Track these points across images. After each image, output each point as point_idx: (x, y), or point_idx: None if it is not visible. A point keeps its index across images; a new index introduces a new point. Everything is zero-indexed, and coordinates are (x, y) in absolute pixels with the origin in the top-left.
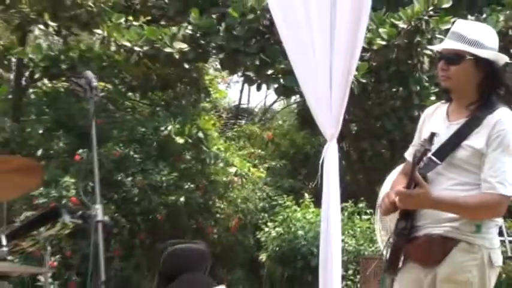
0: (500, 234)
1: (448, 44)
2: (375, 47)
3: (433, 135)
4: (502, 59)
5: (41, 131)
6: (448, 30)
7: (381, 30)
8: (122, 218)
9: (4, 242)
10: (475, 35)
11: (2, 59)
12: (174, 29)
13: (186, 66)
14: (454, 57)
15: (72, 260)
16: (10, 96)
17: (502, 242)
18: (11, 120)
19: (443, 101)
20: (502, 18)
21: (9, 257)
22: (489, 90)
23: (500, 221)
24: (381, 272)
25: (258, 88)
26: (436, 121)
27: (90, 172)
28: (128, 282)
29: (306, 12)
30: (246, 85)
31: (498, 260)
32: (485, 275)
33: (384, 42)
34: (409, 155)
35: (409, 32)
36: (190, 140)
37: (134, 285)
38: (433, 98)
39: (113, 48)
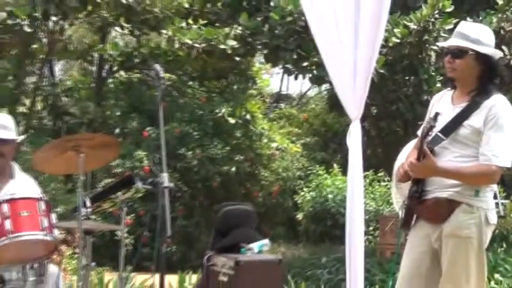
0: (495, 197)
1: (454, 41)
2: (390, 44)
3: (437, 114)
4: (498, 54)
5: (118, 113)
6: (450, 30)
7: (395, 30)
8: (184, 185)
9: (88, 204)
10: (476, 35)
11: (86, 54)
12: (227, 29)
13: (237, 59)
14: (458, 53)
15: (144, 219)
16: (93, 85)
17: (496, 204)
18: (94, 105)
19: (448, 89)
20: (495, 20)
21: (92, 216)
22: (487, 80)
23: (494, 186)
24: (397, 228)
25: (295, 78)
26: (442, 105)
27: (157, 147)
28: (189, 237)
29: (334, 15)
30: (285, 75)
31: (493, 218)
32: (483, 231)
33: (398, 40)
34: (420, 132)
35: (419, 32)
36: (239, 121)
37: (194, 239)
38: (438, 85)
39: (176, 45)
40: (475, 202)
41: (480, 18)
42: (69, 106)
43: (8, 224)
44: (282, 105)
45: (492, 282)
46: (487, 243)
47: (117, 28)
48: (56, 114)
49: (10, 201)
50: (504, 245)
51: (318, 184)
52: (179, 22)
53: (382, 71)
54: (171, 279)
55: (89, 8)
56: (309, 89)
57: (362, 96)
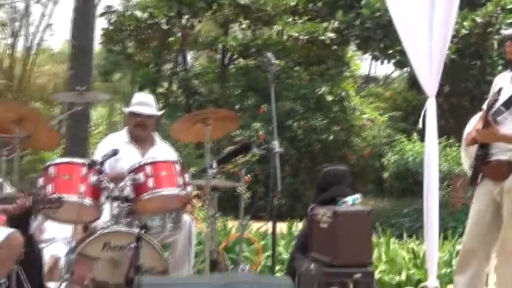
0: None
1: None
2: (460, 35)
3: (500, 89)
4: None
5: (237, 93)
6: (510, 23)
7: (464, 23)
8: (291, 150)
9: (215, 166)
10: None
11: (212, 45)
12: (326, 24)
13: (334, 48)
14: None
15: (260, 177)
16: (217, 70)
17: None
18: (219, 86)
19: (509, 70)
20: None
21: (218, 176)
22: None
23: None
24: (466, 185)
25: (382, 62)
26: (504, 83)
27: (270, 119)
28: (296, 192)
29: (412, 11)
30: (373, 61)
31: None
32: None
33: (466, 31)
34: (485, 105)
35: (484, 25)
36: (336, 98)
37: (300, 194)
38: (499, 68)
39: (284, 37)
40: None
41: None
42: (198, 87)
43: (150, 182)
44: (371, 85)
45: None
46: None
47: (237, 24)
48: (188, 93)
49: (152, 163)
50: None
51: (400, 149)
52: (287, 18)
53: (453, 57)
54: (281, 226)
55: (214, 7)
56: (392, 72)
57: (436, 77)
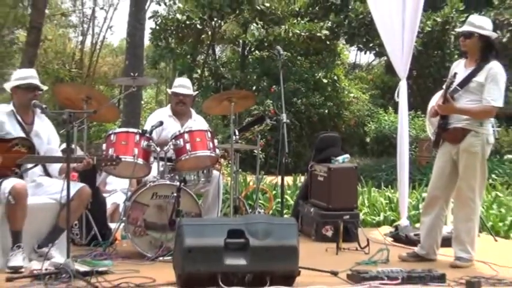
0: (492, 126)
1: (465, 28)
2: (425, 31)
3: (455, 73)
4: (494, 35)
5: (254, 77)
6: (463, 21)
7: (428, 22)
8: (296, 121)
9: (237, 133)
10: (479, 23)
11: (235, 41)
12: (322, 23)
13: (328, 42)
14: (468, 35)
15: (271, 142)
16: (239, 60)
17: (493, 131)
18: (240, 72)
19: (462, 58)
20: (492, 14)
21: (239, 141)
22: (487, 52)
23: (492, 119)
24: (430, 147)
25: (365, 53)
26: (459, 68)
27: (279, 97)
28: (299, 153)
29: (389, 13)
30: (358, 52)
31: (491, 140)
32: (485, 148)
33: (429, 28)
34: (444, 86)
35: (443, 23)
36: (330, 80)
37: (302, 155)
38: (456, 57)
39: (290, 34)
40: (480, 129)
41: (483, 12)
42: (224, 73)
43: (188, 146)
44: (356, 70)
45: (490, 180)
46: (487, 156)
47: (254, 24)
48: (216, 78)
49: (189, 132)
50: (497, 157)
51: (378, 119)
52: (292, 20)
53: (420, 48)
54: (288, 179)
55: (237, 12)
56: (373, 60)
57: (407, 64)
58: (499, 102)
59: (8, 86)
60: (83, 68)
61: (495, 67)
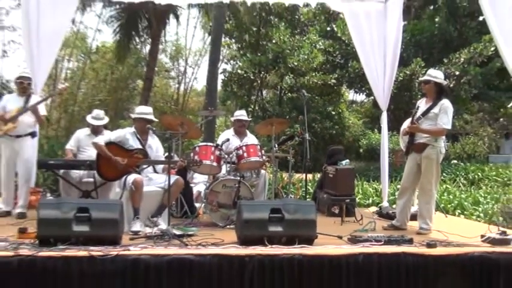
0: (443, 142)
1: (425, 77)
2: (399, 79)
3: (418, 107)
4: (444, 82)
5: (288, 110)
6: (424, 73)
7: (400, 74)
8: (314, 138)
9: (276, 146)
10: (434, 74)
11: (275, 87)
12: (331, 75)
13: (335, 88)
14: (427, 82)
15: (298, 152)
16: (277, 99)
17: (444, 144)
18: (278, 107)
19: (423, 97)
20: (443, 68)
21: (278, 151)
22: (440, 93)
23: (443, 137)
24: (402, 155)
25: (359, 94)
26: (421, 104)
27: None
28: (317, 159)
29: (375, 66)
30: (355, 93)
31: (443, 151)
32: (439, 156)
33: (401, 78)
34: (412, 115)
35: (410, 75)
36: (336, 112)
37: (318, 160)
38: (419, 96)
39: (311, 82)
40: (435, 144)
41: (437, 67)
42: (268, 108)
43: (245, 154)
44: (354, 105)
45: (442, 177)
46: (440, 161)
47: (287, 76)
48: (263, 111)
49: (246, 145)
50: (447, 161)
51: (368, 137)
52: (312, 72)
53: (395, 91)
54: (309, 176)
55: (276, 68)
56: (365, 99)
57: (387, 101)
58: (448, 126)
59: (133, 116)
60: (178, 105)
61: (446, 103)
